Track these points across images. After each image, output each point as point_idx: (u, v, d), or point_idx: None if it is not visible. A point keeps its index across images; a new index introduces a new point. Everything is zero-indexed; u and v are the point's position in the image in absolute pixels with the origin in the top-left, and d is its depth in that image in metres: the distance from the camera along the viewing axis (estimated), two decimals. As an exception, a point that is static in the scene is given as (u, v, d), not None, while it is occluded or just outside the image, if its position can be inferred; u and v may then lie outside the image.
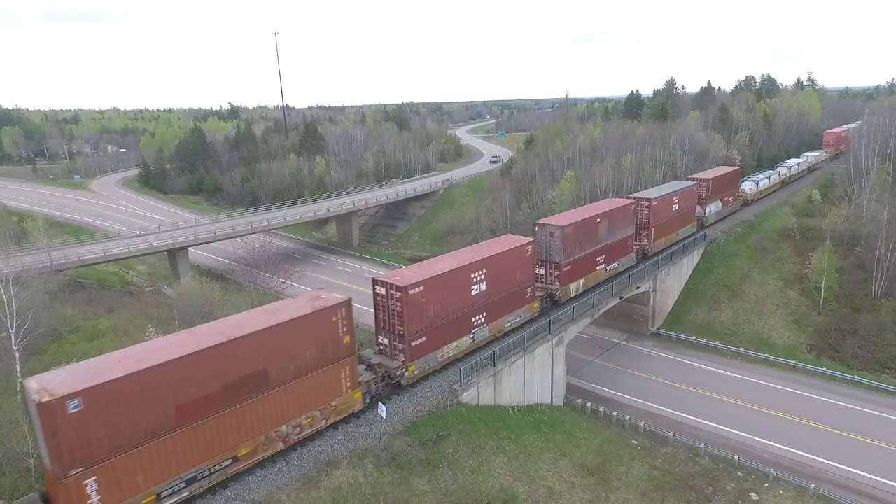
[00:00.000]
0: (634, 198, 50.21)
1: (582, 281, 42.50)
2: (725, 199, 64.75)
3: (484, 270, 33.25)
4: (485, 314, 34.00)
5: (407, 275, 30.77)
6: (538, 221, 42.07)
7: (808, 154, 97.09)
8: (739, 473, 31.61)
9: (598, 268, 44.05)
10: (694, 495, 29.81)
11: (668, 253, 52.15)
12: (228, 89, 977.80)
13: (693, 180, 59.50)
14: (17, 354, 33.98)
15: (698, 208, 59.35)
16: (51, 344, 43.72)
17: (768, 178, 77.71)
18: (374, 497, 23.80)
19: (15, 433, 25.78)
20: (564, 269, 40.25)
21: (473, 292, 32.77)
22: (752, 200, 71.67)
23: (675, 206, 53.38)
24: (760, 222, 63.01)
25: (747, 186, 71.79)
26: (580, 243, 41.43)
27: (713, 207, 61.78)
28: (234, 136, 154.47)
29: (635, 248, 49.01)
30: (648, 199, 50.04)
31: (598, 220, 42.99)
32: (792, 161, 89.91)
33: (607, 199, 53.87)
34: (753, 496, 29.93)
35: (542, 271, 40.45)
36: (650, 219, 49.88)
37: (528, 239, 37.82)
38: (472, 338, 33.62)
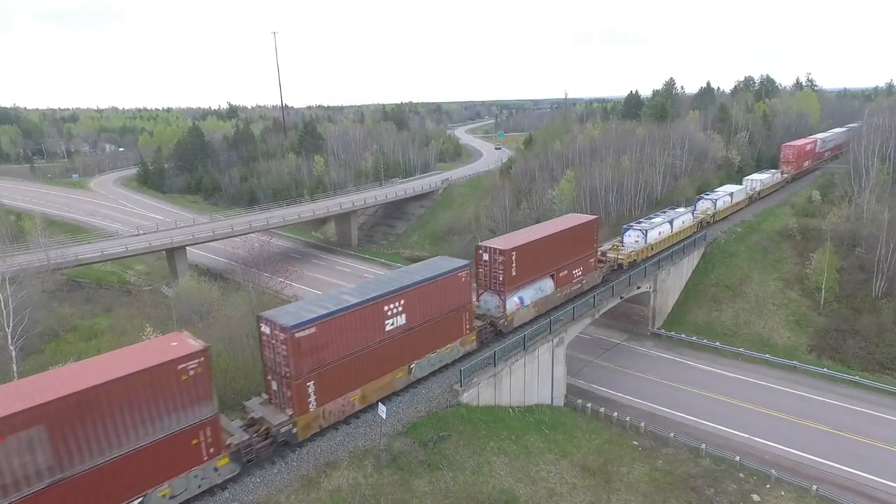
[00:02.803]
0: (267, 320, 24.79)
1: None
2: (563, 274, 40.24)
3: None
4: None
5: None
6: None
7: (754, 177, 75.24)
8: (741, 474, 31.47)
9: None
10: (695, 496, 29.67)
11: (668, 253, 51.98)
12: (227, 89, 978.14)
13: (484, 250, 36.10)
14: (13, 354, 33.76)
15: (490, 300, 36.26)
16: (48, 343, 43.56)
17: (671, 222, 53.54)
18: (374, 498, 23.62)
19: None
20: None
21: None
22: (635, 262, 48.94)
23: (396, 320, 28.17)
24: (760, 222, 62.88)
25: (632, 240, 50.17)
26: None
27: (527, 296, 37.33)
28: (232, 136, 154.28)
29: (212, 454, 21.67)
30: (283, 329, 23.94)
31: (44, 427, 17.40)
32: (723, 190, 67.60)
33: (161, 339, 23.85)
34: (755, 497, 29.80)
35: None
36: (295, 367, 24.05)
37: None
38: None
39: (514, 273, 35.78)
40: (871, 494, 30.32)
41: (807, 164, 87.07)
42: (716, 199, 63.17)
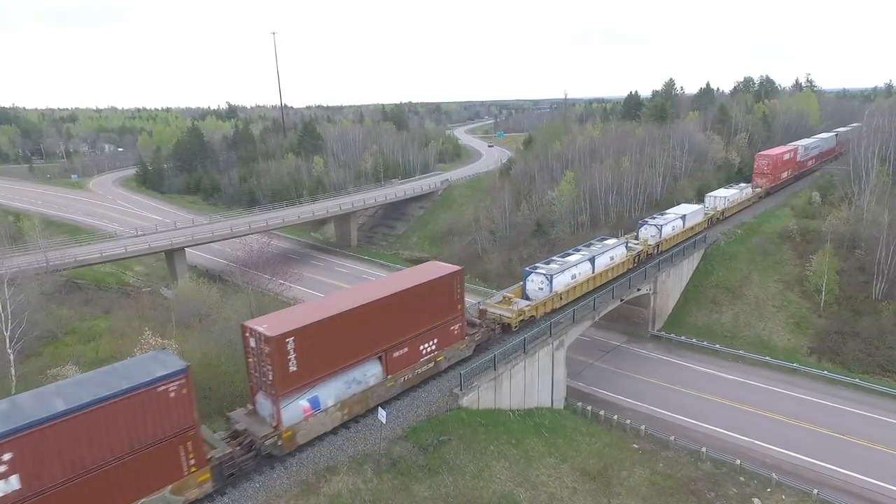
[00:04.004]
0: None
1: None
2: (400, 353, 28.58)
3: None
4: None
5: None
6: None
7: (717, 193, 65.21)
8: (741, 478, 31.42)
9: None
10: (696, 500, 29.62)
11: (668, 255, 51.92)
12: (226, 88, 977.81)
13: (250, 333, 24.34)
14: (12, 357, 33.59)
15: (265, 404, 24.58)
16: (47, 346, 43.44)
17: (592, 259, 43.54)
18: None
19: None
20: None
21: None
22: (533, 318, 37.95)
23: None
24: (760, 224, 62.80)
25: (535, 287, 39.91)
26: None
27: (328, 395, 25.73)
28: (232, 136, 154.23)
29: None
30: None
31: None
32: (675, 212, 57.26)
33: None
34: (756, 501, 29.74)
35: None
36: None
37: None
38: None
39: (293, 368, 23.69)
40: (872, 498, 30.25)
41: (785, 175, 77.53)
42: (662, 225, 52.65)
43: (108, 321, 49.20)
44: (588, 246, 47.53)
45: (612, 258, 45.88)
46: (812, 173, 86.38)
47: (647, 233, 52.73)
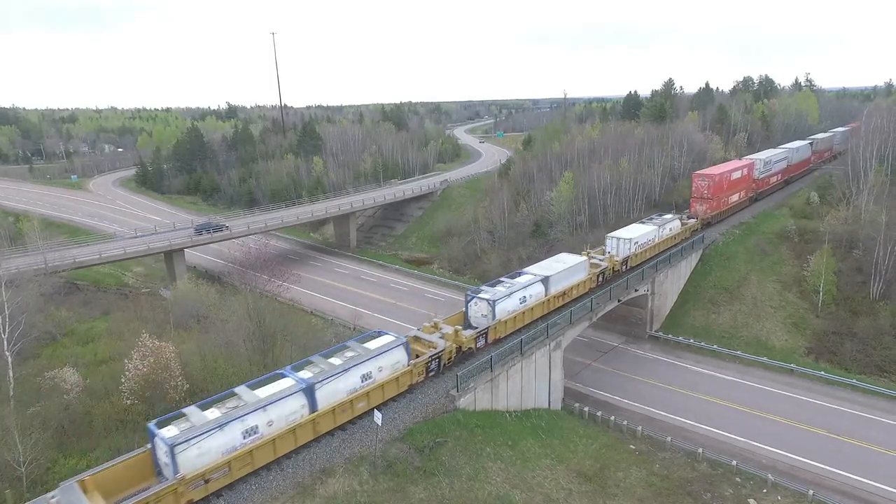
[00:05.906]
0: None
1: None
2: None
3: None
4: None
5: None
6: None
7: (622, 234, 48.52)
8: (738, 479, 31.48)
9: None
10: (692, 501, 29.68)
11: (666, 255, 51.95)
12: (226, 89, 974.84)
13: None
14: (9, 359, 33.68)
15: None
16: (45, 347, 43.53)
17: (310, 388, 24.58)
18: (369, 505, 23.57)
19: (5, 441, 25.71)
20: None
21: None
22: None
23: None
24: (758, 224, 62.78)
25: (161, 455, 21.02)
26: None
27: None
28: (231, 136, 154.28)
29: None
30: None
31: None
32: (535, 272, 39.36)
33: None
34: (752, 502, 29.81)
35: None
36: None
37: None
38: None
39: None
40: (868, 499, 30.30)
41: (736, 198, 63.03)
42: (495, 301, 34.64)
43: (107, 322, 49.30)
44: (324, 357, 27.55)
45: (373, 372, 27.22)
46: (778, 191, 74.62)
47: (478, 311, 35.29)
